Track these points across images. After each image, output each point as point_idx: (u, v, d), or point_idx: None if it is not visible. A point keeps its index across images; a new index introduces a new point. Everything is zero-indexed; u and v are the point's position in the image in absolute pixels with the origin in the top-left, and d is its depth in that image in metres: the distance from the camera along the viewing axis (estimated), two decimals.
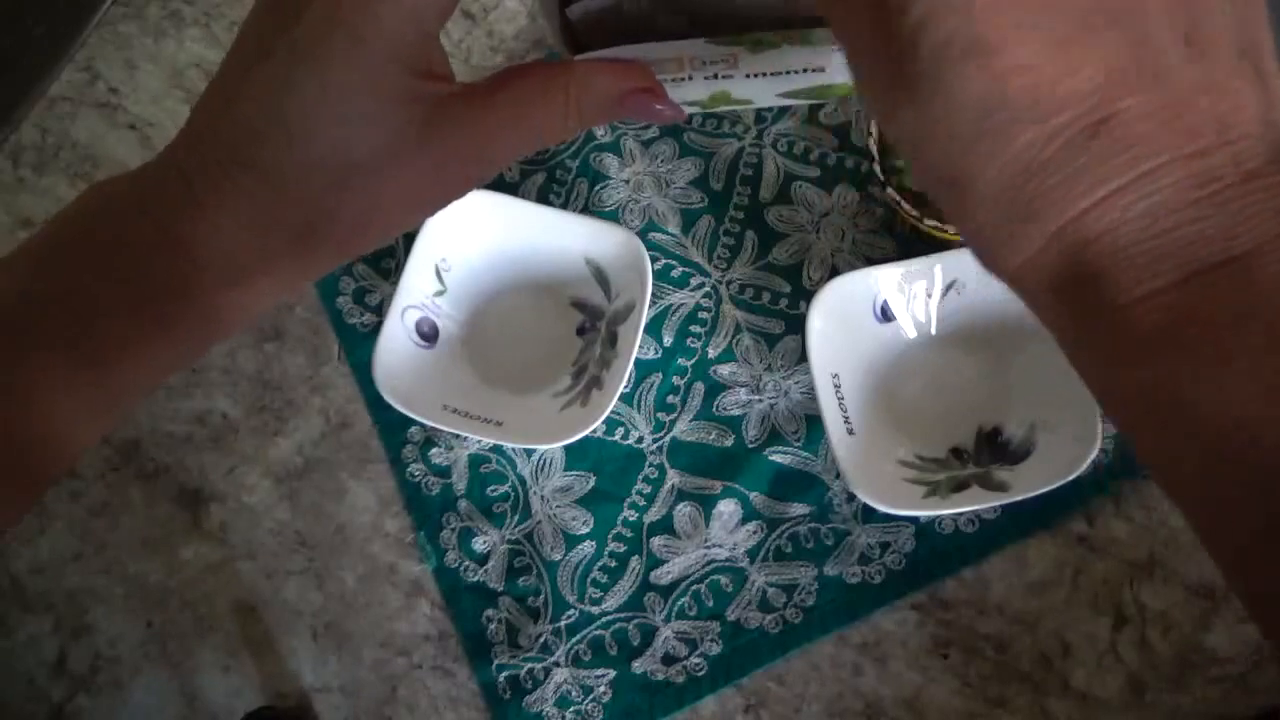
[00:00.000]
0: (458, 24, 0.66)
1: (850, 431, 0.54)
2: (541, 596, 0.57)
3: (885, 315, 0.56)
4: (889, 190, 0.54)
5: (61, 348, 0.31)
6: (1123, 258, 0.24)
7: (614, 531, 0.57)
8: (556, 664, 0.56)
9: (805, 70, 0.50)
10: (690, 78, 0.48)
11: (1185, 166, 0.23)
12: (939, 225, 0.53)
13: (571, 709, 0.55)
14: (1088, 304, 0.25)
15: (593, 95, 0.37)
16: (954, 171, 0.25)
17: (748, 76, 0.49)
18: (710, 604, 0.56)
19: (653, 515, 0.57)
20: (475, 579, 0.57)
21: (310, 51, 0.31)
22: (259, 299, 0.33)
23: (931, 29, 0.23)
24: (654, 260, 0.59)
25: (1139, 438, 0.25)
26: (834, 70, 0.50)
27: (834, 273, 0.59)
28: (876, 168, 0.54)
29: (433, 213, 0.35)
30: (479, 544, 0.58)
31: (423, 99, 0.33)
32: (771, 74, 0.49)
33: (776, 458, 0.57)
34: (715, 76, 0.47)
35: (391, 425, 0.60)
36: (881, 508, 0.52)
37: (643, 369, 0.59)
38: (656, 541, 0.57)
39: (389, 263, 0.62)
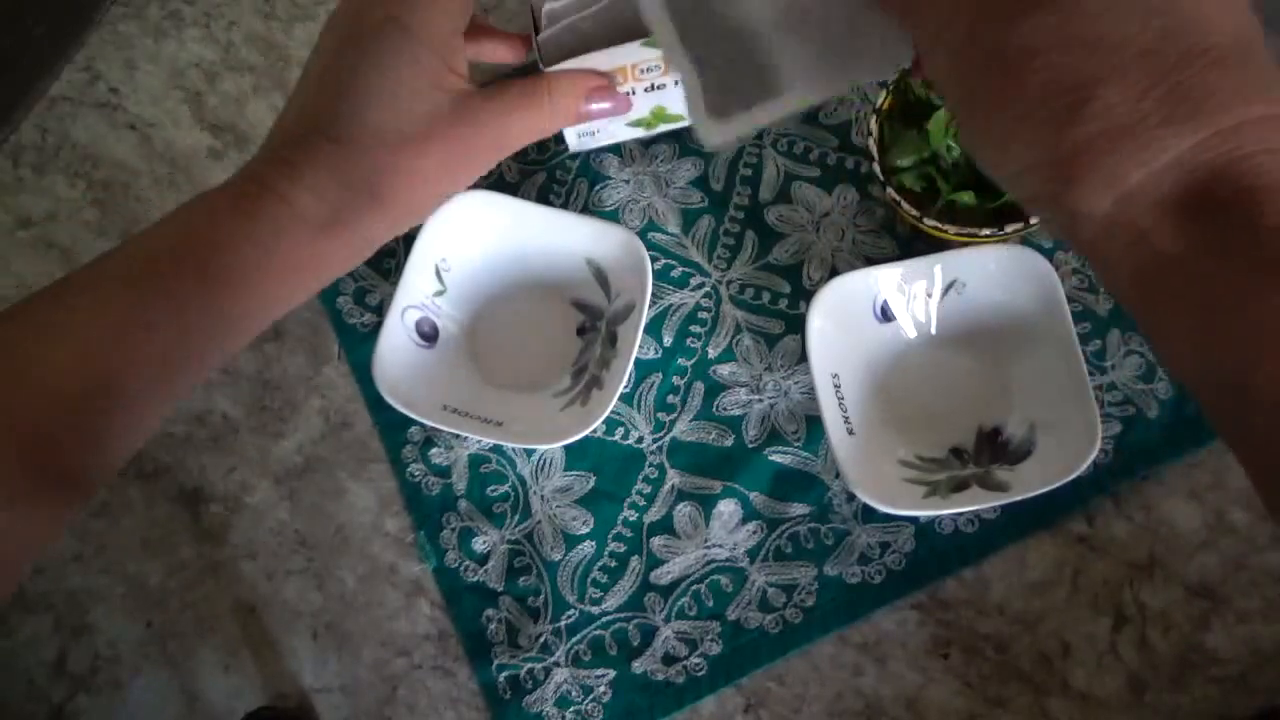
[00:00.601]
0: None
1: (850, 431, 0.54)
2: (541, 596, 0.57)
3: (885, 315, 0.56)
4: (889, 190, 0.54)
5: (197, 277, 0.38)
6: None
7: (614, 531, 0.57)
8: (556, 664, 0.56)
9: None
10: (634, 91, 0.55)
11: None
12: (939, 225, 0.53)
13: (571, 709, 0.55)
14: (1224, 224, 0.24)
15: (562, 97, 0.47)
16: (1088, 71, 0.25)
17: (675, 83, 0.55)
18: (710, 604, 0.56)
19: (653, 515, 0.57)
20: (475, 579, 0.57)
21: (369, 45, 0.40)
22: (343, 250, 0.41)
23: None
24: (654, 260, 0.59)
25: (1269, 362, 0.24)
26: None
27: (834, 273, 0.59)
28: (876, 167, 0.54)
29: (463, 185, 0.44)
30: (479, 544, 0.58)
31: (450, 89, 0.42)
32: None
33: (776, 458, 0.57)
34: (652, 87, 0.55)
35: (391, 425, 0.60)
36: (881, 508, 0.52)
37: (643, 369, 0.59)
38: (656, 541, 0.57)
39: (389, 263, 0.62)
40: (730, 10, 0.38)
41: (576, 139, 0.60)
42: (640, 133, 0.60)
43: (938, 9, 0.29)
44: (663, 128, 0.61)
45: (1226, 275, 0.25)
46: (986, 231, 0.52)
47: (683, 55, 0.39)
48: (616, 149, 0.62)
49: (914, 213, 0.53)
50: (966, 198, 0.54)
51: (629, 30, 0.53)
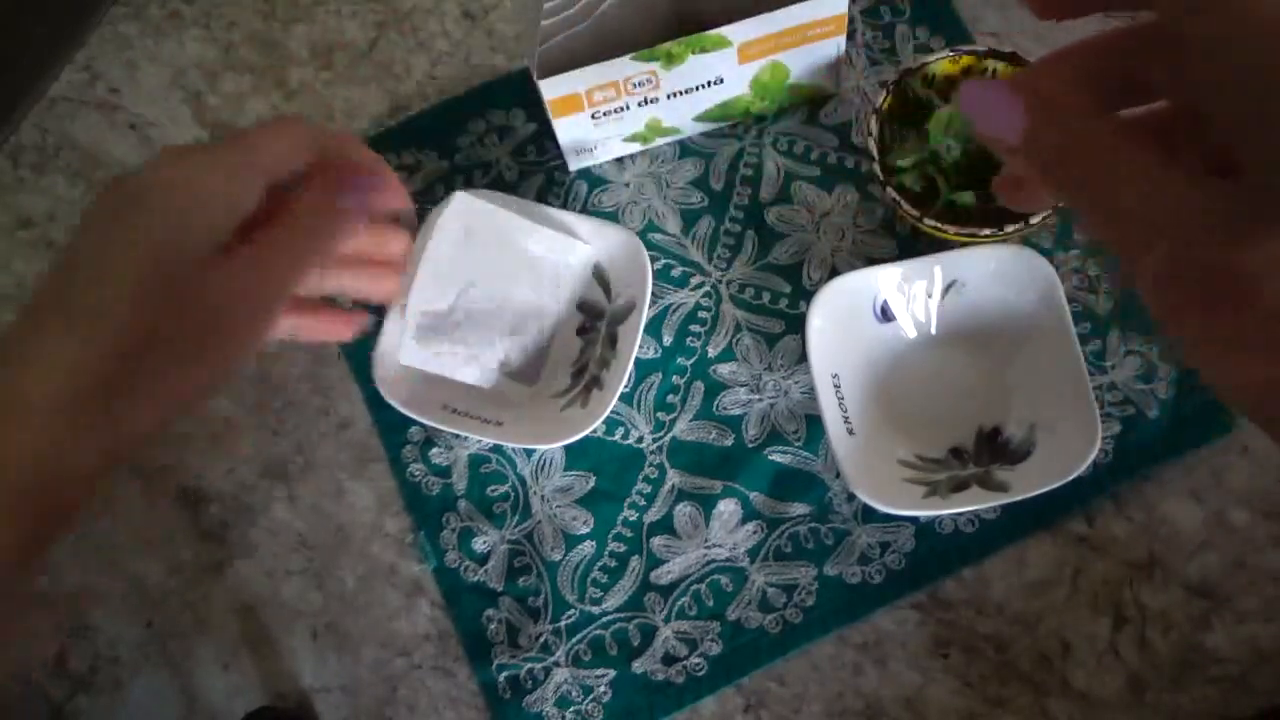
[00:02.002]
0: (458, 24, 0.66)
1: (850, 431, 0.54)
2: (541, 596, 0.57)
3: (885, 315, 0.56)
4: (889, 190, 0.54)
5: None
6: None
7: (614, 531, 0.57)
8: (556, 664, 0.56)
9: (709, 84, 0.57)
10: (626, 106, 0.56)
11: None
12: (938, 225, 0.53)
13: (571, 709, 0.55)
14: None
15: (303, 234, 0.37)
16: None
17: (669, 97, 0.56)
18: (710, 604, 0.56)
19: (653, 515, 0.57)
20: (475, 579, 0.57)
21: (107, 231, 0.34)
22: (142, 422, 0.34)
23: None
24: (654, 260, 0.59)
25: None
26: (731, 82, 0.57)
27: (834, 273, 0.59)
28: (876, 168, 0.54)
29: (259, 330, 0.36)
30: (479, 544, 0.58)
31: (185, 260, 0.34)
32: (685, 92, 0.57)
33: (776, 457, 0.57)
34: (644, 101, 0.56)
35: (391, 425, 0.60)
36: (881, 508, 0.52)
37: (643, 369, 0.59)
38: (656, 541, 0.57)
39: None
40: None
41: (575, 157, 0.61)
42: (637, 147, 0.61)
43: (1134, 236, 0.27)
44: (659, 141, 0.61)
45: None
46: (986, 231, 0.52)
47: None
48: None
49: (914, 213, 0.53)
50: (966, 198, 0.54)
51: (620, 45, 0.54)
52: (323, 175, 0.38)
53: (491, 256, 0.58)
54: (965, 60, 0.55)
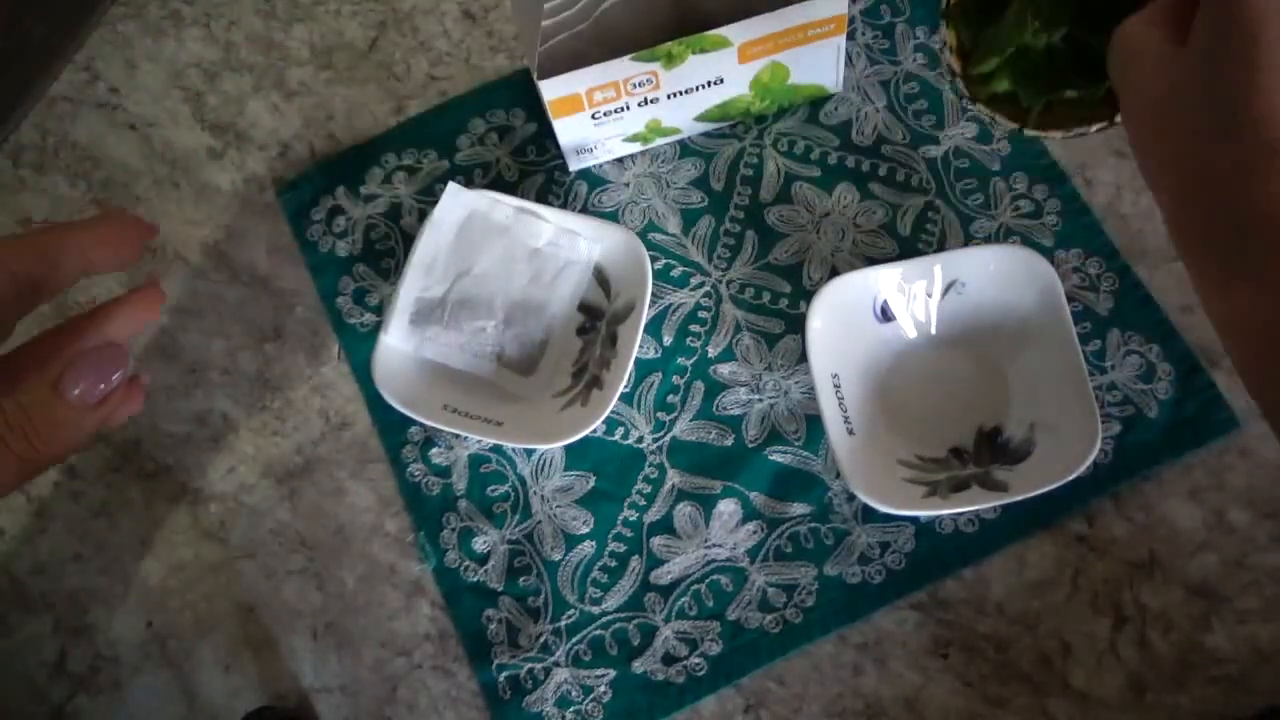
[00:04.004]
0: (458, 24, 0.66)
1: (850, 431, 0.54)
2: (541, 596, 0.57)
3: (885, 315, 0.56)
4: (979, 106, 0.46)
5: None
6: None
7: (614, 531, 0.57)
8: (556, 664, 0.56)
9: (709, 84, 0.57)
10: (627, 106, 0.56)
11: None
12: (1043, 133, 0.45)
13: (571, 709, 0.55)
14: None
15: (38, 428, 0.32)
16: None
17: (669, 97, 0.56)
18: (710, 604, 0.56)
19: (653, 515, 0.57)
20: (475, 579, 0.57)
21: None
22: None
23: None
24: (654, 260, 0.60)
25: None
26: (731, 82, 0.57)
27: (834, 273, 0.59)
28: (960, 84, 0.46)
29: None
30: (479, 544, 0.58)
31: None
32: (685, 92, 0.57)
33: (776, 457, 0.57)
34: (645, 102, 0.56)
35: (391, 425, 0.60)
36: (881, 508, 0.52)
37: (643, 369, 0.59)
38: (656, 541, 0.57)
39: (389, 263, 0.62)
40: None
41: (575, 157, 0.61)
42: (638, 147, 0.61)
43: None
44: (659, 141, 0.61)
45: None
46: (1097, 127, 0.44)
47: None
48: None
49: (1012, 125, 0.46)
50: (1070, 93, 0.45)
51: (620, 45, 0.54)
52: (46, 348, 0.34)
53: (488, 247, 0.58)
54: None
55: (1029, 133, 0.46)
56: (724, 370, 0.59)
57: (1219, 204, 0.32)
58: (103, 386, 0.32)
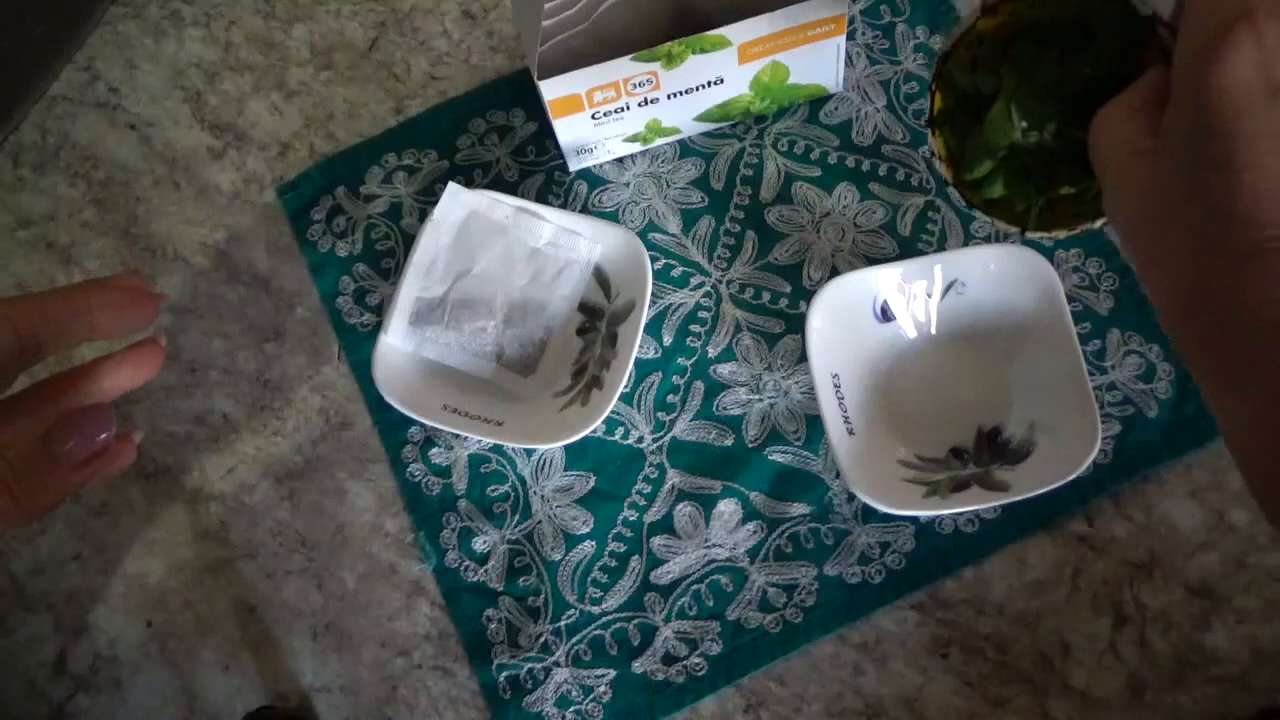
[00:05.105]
0: (458, 24, 0.66)
1: (850, 431, 0.54)
2: (541, 596, 0.57)
3: (885, 315, 0.56)
4: (978, 213, 0.45)
5: None
6: None
7: (614, 531, 0.57)
8: (556, 664, 0.56)
9: (709, 84, 0.57)
10: (627, 106, 0.56)
11: None
12: (1047, 235, 0.44)
13: (571, 709, 0.55)
14: None
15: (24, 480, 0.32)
16: None
17: (669, 97, 0.57)
18: (710, 604, 0.56)
19: (653, 515, 0.57)
20: (475, 579, 0.57)
21: None
22: None
23: None
24: (654, 260, 0.60)
25: None
26: (731, 82, 0.57)
27: (834, 273, 0.59)
28: (953, 192, 0.45)
29: None
30: (479, 544, 0.58)
31: None
32: (685, 92, 0.57)
33: (776, 457, 0.57)
34: (645, 102, 0.56)
35: (391, 425, 0.60)
36: (881, 508, 0.52)
37: (643, 369, 0.59)
38: (656, 541, 0.57)
39: (389, 263, 0.62)
40: None
41: (576, 157, 0.61)
42: (638, 147, 0.61)
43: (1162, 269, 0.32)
44: (659, 141, 0.61)
45: None
46: (1101, 222, 0.42)
47: None
48: None
49: (1013, 229, 0.45)
50: (1066, 189, 0.43)
51: (620, 45, 0.54)
52: (37, 400, 0.34)
53: (488, 247, 0.58)
54: (1003, 13, 0.42)
55: (1031, 235, 0.44)
56: (724, 370, 0.59)
57: (1214, 310, 0.31)
58: (91, 446, 0.32)
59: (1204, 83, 0.30)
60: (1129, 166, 0.34)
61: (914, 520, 0.55)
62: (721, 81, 0.57)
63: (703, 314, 0.60)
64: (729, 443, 0.58)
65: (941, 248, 0.59)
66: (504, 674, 0.56)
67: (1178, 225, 0.32)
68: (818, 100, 0.62)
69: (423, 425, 0.59)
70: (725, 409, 0.58)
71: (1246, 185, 0.29)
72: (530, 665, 0.56)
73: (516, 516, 0.58)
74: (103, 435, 0.32)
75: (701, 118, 0.60)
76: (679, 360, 0.59)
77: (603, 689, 0.55)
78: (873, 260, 0.59)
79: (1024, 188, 0.44)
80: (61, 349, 0.35)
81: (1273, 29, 0.29)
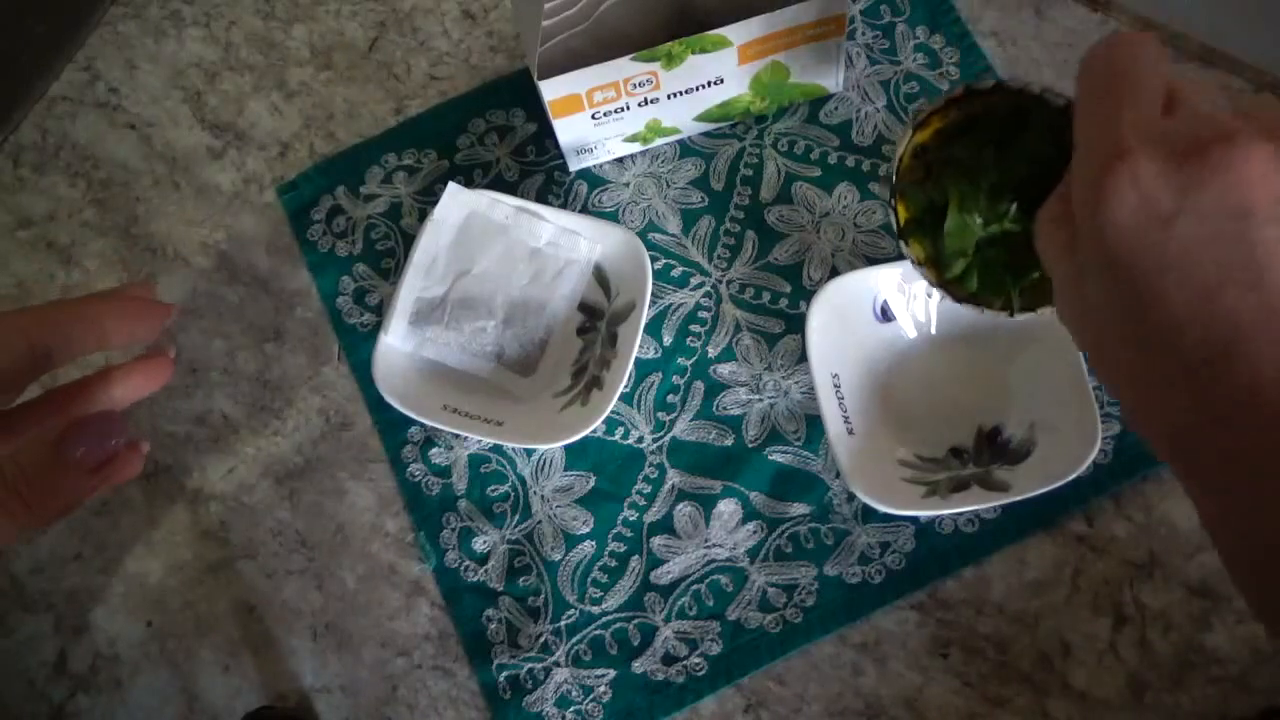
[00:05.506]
0: (458, 24, 0.66)
1: (850, 431, 0.54)
2: (541, 596, 0.57)
3: (885, 315, 0.56)
4: (966, 306, 0.47)
5: None
6: None
7: (614, 531, 0.57)
8: (556, 664, 0.56)
9: (709, 84, 0.57)
10: (627, 107, 0.56)
11: None
12: (1033, 313, 0.46)
13: (571, 709, 0.55)
14: None
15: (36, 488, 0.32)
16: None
17: (669, 97, 0.57)
18: (710, 604, 0.56)
19: (653, 515, 0.57)
20: (475, 579, 0.57)
21: None
22: None
23: None
24: (654, 260, 0.60)
25: None
26: (731, 82, 0.57)
27: (834, 273, 0.59)
28: (939, 293, 0.47)
29: None
30: (479, 544, 0.58)
31: None
32: (685, 92, 0.57)
33: (776, 457, 0.57)
34: (644, 102, 0.56)
35: (391, 425, 0.60)
36: (881, 508, 0.52)
37: (643, 369, 0.59)
38: (656, 541, 0.57)
39: (389, 263, 0.62)
40: None
41: (575, 157, 0.61)
42: (638, 147, 0.61)
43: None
44: (659, 141, 0.61)
45: None
46: None
47: None
48: None
49: (1004, 313, 0.46)
50: (1036, 275, 0.45)
51: (620, 45, 0.54)
52: (49, 408, 0.34)
53: (488, 246, 0.58)
54: (935, 123, 0.45)
55: (1019, 316, 0.46)
56: (724, 370, 0.59)
57: (1165, 416, 0.32)
58: (102, 452, 0.32)
59: (1097, 226, 0.31)
60: (1063, 281, 0.35)
61: (914, 520, 0.55)
62: (721, 81, 0.57)
63: (703, 314, 0.60)
64: (729, 443, 0.58)
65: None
66: (504, 674, 0.56)
67: (1111, 334, 0.33)
68: (818, 100, 0.62)
69: (423, 425, 0.59)
70: (725, 409, 0.58)
71: (1158, 305, 0.30)
72: (530, 665, 0.56)
73: (516, 516, 0.58)
74: (114, 441, 0.33)
75: (701, 118, 0.60)
76: (679, 360, 0.59)
77: (603, 689, 0.55)
78: (873, 260, 0.59)
79: (999, 280, 0.46)
80: (72, 358, 0.35)
81: (1147, 165, 0.30)
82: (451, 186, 0.57)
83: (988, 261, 0.45)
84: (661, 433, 0.58)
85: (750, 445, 0.57)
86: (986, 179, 0.43)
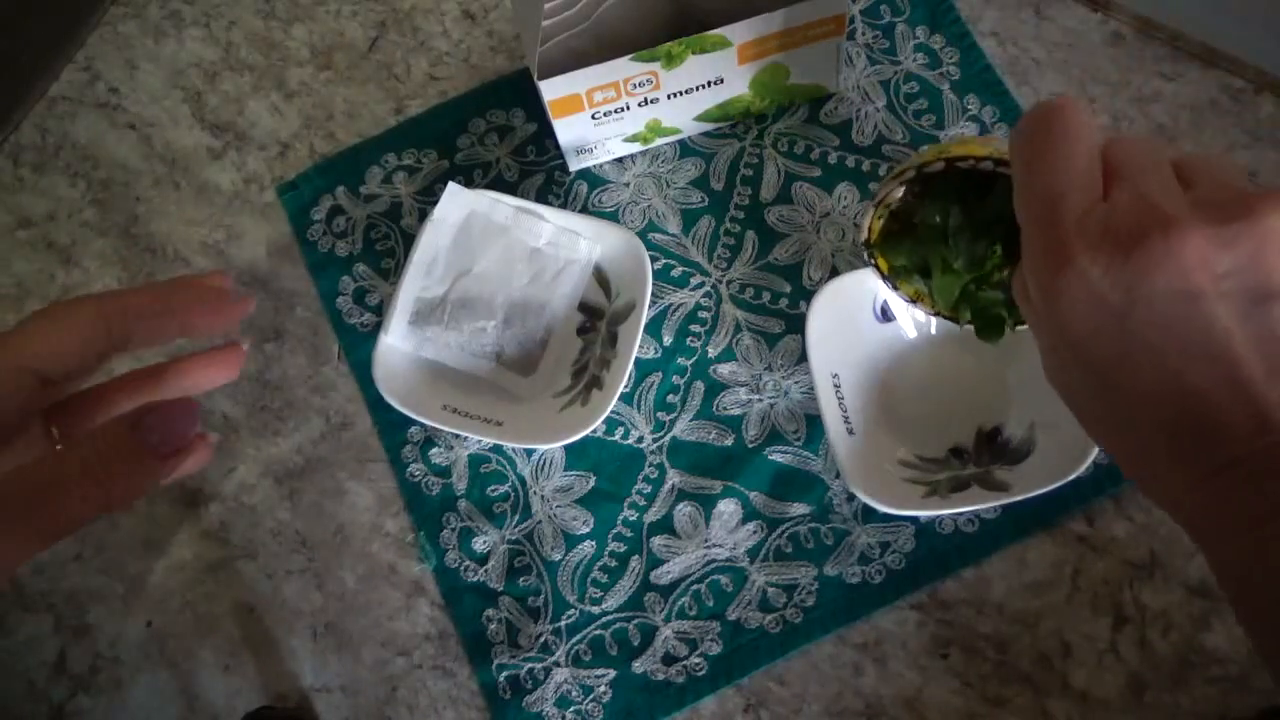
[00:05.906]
0: (458, 24, 0.66)
1: (850, 431, 0.54)
2: (541, 596, 0.57)
3: (885, 315, 0.56)
4: (974, 332, 0.48)
5: None
6: None
7: (614, 531, 0.57)
8: (556, 664, 0.56)
9: (709, 84, 0.57)
10: (627, 106, 0.56)
11: None
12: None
13: (571, 709, 0.55)
14: None
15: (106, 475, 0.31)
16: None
17: (669, 97, 0.57)
18: (710, 604, 0.56)
19: (653, 515, 0.57)
20: (475, 579, 0.57)
21: None
22: None
23: None
24: (654, 260, 0.60)
25: None
26: (731, 82, 0.57)
27: (834, 273, 0.59)
28: (940, 323, 0.48)
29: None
30: (479, 544, 0.58)
31: None
32: (685, 92, 0.57)
33: (776, 457, 0.57)
34: (644, 102, 0.56)
35: (391, 425, 0.60)
36: (881, 508, 0.52)
37: (643, 369, 0.59)
38: (656, 541, 0.57)
39: (389, 263, 0.62)
40: None
41: (575, 157, 0.61)
42: (638, 147, 0.61)
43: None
44: (659, 141, 0.61)
45: None
46: None
47: None
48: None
49: (1008, 334, 0.48)
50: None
51: (620, 45, 0.54)
52: (126, 392, 0.34)
53: (488, 246, 0.58)
54: (896, 191, 0.47)
55: (1020, 329, 0.47)
56: (724, 370, 0.59)
57: (1151, 475, 0.33)
58: (179, 440, 0.31)
59: (1056, 324, 0.33)
60: (1043, 351, 0.36)
61: (914, 520, 0.55)
62: (721, 81, 0.57)
63: (703, 314, 0.60)
64: (729, 443, 0.58)
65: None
66: (504, 674, 0.56)
67: (1094, 417, 0.34)
68: (818, 100, 0.62)
69: (423, 425, 0.59)
70: (725, 409, 0.58)
71: (1132, 402, 0.32)
72: (530, 665, 0.56)
73: (516, 516, 0.58)
74: (191, 428, 0.32)
75: (701, 118, 0.60)
76: (679, 360, 0.59)
77: (603, 689, 0.55)
78: None
79: (995, 318, 0.47)
80: (151, 345, 0.35)
81: (1092, 269, 0.31)
82: (451, 186, 0.57)
83: (981, 302, 0.47)
84: (661, 433, 0.58)
85: (750, 445, 0.57)
86: (961, 236, 0.45)
